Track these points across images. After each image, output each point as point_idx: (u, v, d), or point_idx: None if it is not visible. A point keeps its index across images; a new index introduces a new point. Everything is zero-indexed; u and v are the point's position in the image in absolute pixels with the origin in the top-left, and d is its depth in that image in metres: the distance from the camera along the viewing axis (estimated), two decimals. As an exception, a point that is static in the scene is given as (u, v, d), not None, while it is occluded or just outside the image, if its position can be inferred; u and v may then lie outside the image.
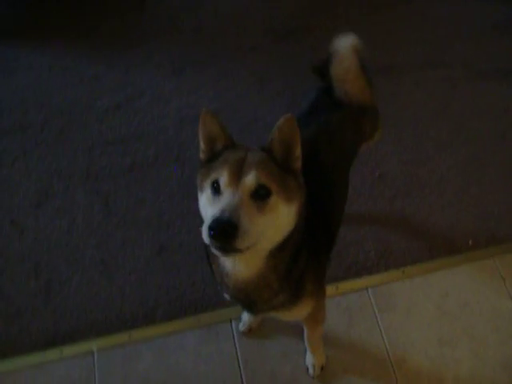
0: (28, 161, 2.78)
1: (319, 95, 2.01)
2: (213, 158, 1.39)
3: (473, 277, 2.44)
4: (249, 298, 1.49)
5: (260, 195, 1.25)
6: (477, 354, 2.24)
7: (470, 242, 2.52)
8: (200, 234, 1.20)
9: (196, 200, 2.54)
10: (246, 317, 2.27)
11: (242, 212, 1.20)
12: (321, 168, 1.74)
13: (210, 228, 1.17)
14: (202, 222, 2.45)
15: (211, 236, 1.17)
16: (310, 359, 2.20)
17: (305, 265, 1.50)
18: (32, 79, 3.10)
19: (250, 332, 2.27)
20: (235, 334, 2.27)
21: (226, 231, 1.16)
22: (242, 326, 2.27)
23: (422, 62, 3.16)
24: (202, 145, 1.44)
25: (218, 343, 2.26)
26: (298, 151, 1.35)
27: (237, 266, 1.40)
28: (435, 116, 2.93)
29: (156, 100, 2.99)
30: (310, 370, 2.19)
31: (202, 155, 1.45)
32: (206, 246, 1.47)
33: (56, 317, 2.33)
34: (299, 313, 1.65)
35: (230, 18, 3.39)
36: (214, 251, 1.23)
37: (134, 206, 2.62)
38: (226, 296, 1.60)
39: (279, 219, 1.29)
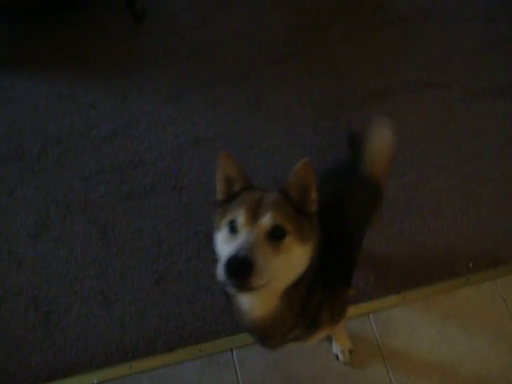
0: (25, 190, 2.76)
1: (336, 166, 2.15)
2: (230, 198, 1.44)
3: (474, 299, 2.42)
4: (264, 333, 1.52)
5: (275, 236, 1.29)
6: (480, 378, 2.23)
7: (471, 265, 2.50)
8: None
9: (196, 225, 2.56)
10: None
11: (257, 251, 1.24)
12: (340, 213, 1.80)
13: (226, 265, 1.21)
14: (201, 248, 2.46)
15: (227, 273, 1.21)
16: (336, 347, 2.26)
17: (320, 300, 1.54)
18: (28, 108, 3.09)
19: None
20: (236, 364, 2.25)
21: (242, 269, 1.20)
22: None
23: (418, 82, 3.16)
24: (219, 186, 1.49)
25: (220, 373, 2.24)
26: (314, 194, 1.40)
27: (252, 304, 1.43)
28: (432, 136, 2.93)
29: (153, 127, 2.98)
30: (340, 357, 2.25)
31: (219, 196, 1.50)
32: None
33: (56, 349, 2.31)
34: (315, 340, 1.70)
35: (225, 43, 3.39)
36: (229, 289, 1.27)
37: (132, 234, 2.61)
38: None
39: (293, 259, 1.33)
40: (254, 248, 1.24)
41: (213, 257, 2.49)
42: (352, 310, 2.34)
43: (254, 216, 1.31)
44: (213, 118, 3.01)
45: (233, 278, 1.22)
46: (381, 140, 2.11)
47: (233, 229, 1.33)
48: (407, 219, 2.63)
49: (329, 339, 2.28)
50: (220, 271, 1.24)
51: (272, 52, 3.33)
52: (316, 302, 1.52)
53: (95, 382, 2.23)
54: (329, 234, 1.48)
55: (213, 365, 2.26)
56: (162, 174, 2.80)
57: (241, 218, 1.31)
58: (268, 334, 1.52)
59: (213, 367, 2.25)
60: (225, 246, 1.35)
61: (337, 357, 2.26)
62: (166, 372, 2.25)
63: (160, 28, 3.47)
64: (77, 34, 3.43)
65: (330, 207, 1.56)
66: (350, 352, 2.25)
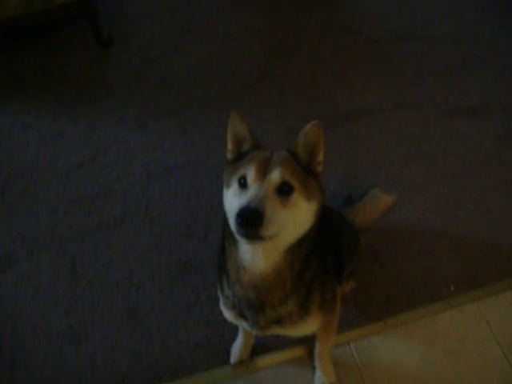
0: (-10, 225, 2.66)
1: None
2: (239, 157, 1.53)
3: (457, 323, 2.36)
4: (260, 298, 1.54)
5: (284, 191, 1.38)
6: (467, 404, 2.16)
7: (452, 288, 2.44)
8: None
9: (168, 255, 2.47)
10: (236, 348, 2.24)
11: (267, 203, 1.32)
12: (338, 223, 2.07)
13: (238, 215, 1.29)
14: (173, 279, 2.37)
15: (239, 223, 1.29)
16: (319, 379, 2.18)
17: (315, 272, 1.59)
18: (-8, 139, 3.00)
19: (241, 364, 2.24)
20: (213, 401, 2.17)
21: (253, 219, 1.28)
22: (232, 359, 2.23)
23: (391, 103, 3.12)
24: (229, 145, 1.58)
25: (196, 412, 2.16)
26: (321, 156, 1.50)
27: (256, 259, 1.46)
28: (407, 158, 2.88)
29: (121, 156, 2.89)
30: None
31: (228, 155, 1.59)
32: (223, 243, 1.60)
33: (21, 393, 2.20)
34: (306, 328, 1.71)
35: (194, 68, 3.33)
36: (240, 238, 1.35)
37: (101, 268, 2.51)
38: (228, 315, 1.73)
39: (299, 215, 1.41)
40: (263, 200, 1.33)
41: (185, 289, 2.43)
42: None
43: (263, 172, 1.40)
44: (183, 145, 2.93)
45: (244, 228, 1.29)
46: (378, 202, 2.43)
47: (243, 184, 1.41)
48: (385, 243, 2.56)
49: (312, 370, 2.22)
50: (231, 221, 1.34)
51: (242, 77, 3.27)
52: (312, 272, 1.58)
53: (65, 425, 2.12)
54: (329, 230, 1.72)
55: (188, 403, 2.17)
56: (132, 204, 2.71)
57: (251, 173, 1.40)
58: (263, 301, 1.54)
59: (188, 405, 2.16)
60: (235, 200, 1.41)
61: None
62: (139, 412, 2.15)
63: (127, 55, 3.40)
64: (42, 63, 3.35)
65: (333, 216, 1.86)
66: None
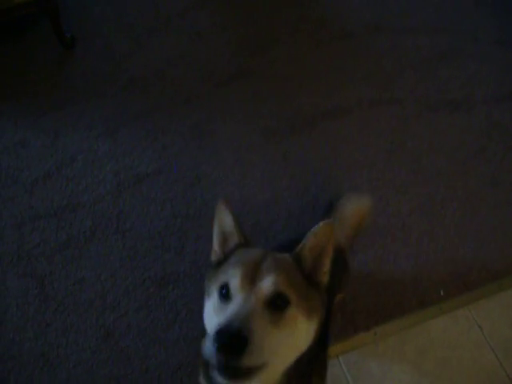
0: (-50, 246, 2.50)
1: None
2: (224, 259, 1.27)
3: (449, 329, 2.30)
4: None
5: (276, 305, 1.11)
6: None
7: (442, 292, 2.36)
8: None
9: (143, 271, 2.34)
10: None
11: (253, 323, 1.04)
12: None
13: (215, 341, 1.00)
14: (150, 296, 2.23)
15: (216, 348, 1.00)
16: None
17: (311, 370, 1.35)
18: None
19: None
20: (197, 426, 2.04)
21: (234, 346, 0.99)
22: None
23: (370, 99, 3.00)
24: (214, 243, 1.31)
25: None
26: (328, 264, 1.24)
27: None
28: (390, 156, 2.78)
29: (89, 165, 2.73)
30: None
31: (213, 256, 1.32)
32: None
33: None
34: None
35: (164, 68, 3.16)
36: (216, 374, 1.03)
37: (73, 287, 2.37)
38: None
39: (296, 336, 1.14)
40: (249, 319, 1.04)
41: (162, 306, 2.30)
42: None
43: (251, 279, 1.12)
44: (154, 152, 2.78)
45: (222, 354, 1.00)
46: (352, 212, 2.13)
47: (224, 296, 1.14)
48: (370, 248, 2.47)
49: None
50: (207, 348, 1.03)
51: (214, 75, 3.12)
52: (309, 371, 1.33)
53: None
54: None
55: (172, 429, 2.05)
56: (103, 216, 2.56)
57: (235, 280, 1.12)
58: None
59: (172, 431, 2.04)
60: (213, 316, 1.14)
61: None
62: None
63: (92, 56, 3.22)
64: (2, 68, 3.16)
65: None
66: None
